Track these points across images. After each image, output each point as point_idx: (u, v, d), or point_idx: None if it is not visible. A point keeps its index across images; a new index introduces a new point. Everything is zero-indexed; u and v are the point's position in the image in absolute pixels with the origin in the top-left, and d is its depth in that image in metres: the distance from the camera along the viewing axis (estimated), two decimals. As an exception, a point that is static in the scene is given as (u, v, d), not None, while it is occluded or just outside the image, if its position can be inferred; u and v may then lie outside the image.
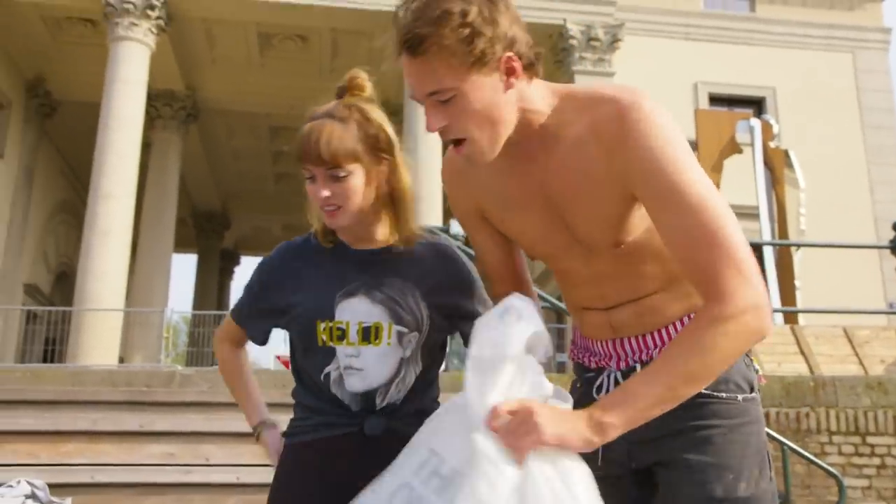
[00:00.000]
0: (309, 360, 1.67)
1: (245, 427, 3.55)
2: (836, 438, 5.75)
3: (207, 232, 27.05)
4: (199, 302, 25.98)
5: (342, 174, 1.58)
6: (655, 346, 1.51)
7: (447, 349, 1.83)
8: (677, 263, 1.36)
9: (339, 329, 1.62)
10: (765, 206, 11.96)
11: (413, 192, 1.69)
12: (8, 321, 17.66)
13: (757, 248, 11.58)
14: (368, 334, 1.62)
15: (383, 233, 1.69)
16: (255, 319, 1.77)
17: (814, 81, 18.15)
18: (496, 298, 1.60)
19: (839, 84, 18.43)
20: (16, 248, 18.56)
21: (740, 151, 12.46)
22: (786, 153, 12.65)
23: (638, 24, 17.60)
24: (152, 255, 18.19)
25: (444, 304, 1.69)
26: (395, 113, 19.06)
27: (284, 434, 1.74)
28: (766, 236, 11.95)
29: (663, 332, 1.51)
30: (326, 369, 1.63)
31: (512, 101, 1.37)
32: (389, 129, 1.65)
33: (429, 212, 13.98)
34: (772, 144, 12.52)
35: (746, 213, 12.21)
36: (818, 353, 8.58)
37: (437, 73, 1.31)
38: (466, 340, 1.75)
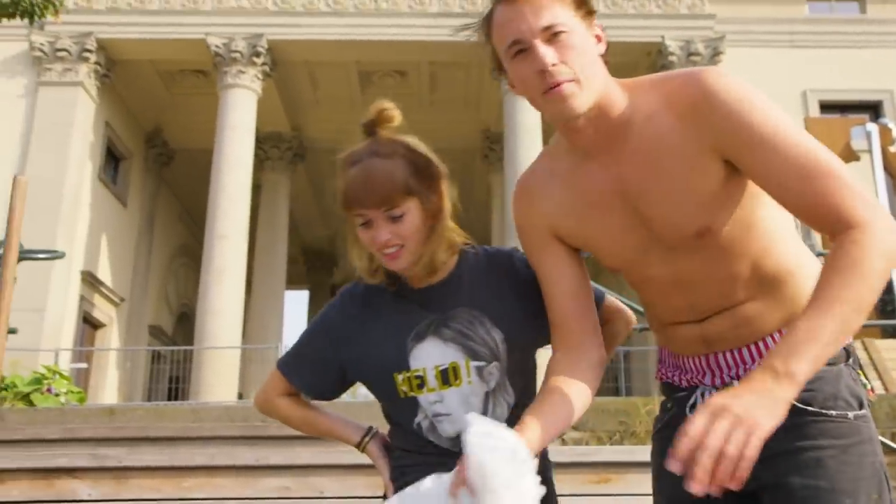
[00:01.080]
0: (396, 410, 1.62)
1: (357, 459, 3.58)
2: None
3: (317, 268, 27.74)
4: (312, 337, 26.54)
5: (399, 213, 1.50)
6: (753, 360, 1.43)
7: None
8: (795, 205, 1.31)
9: (417, 378, 1.56)
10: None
11: (451, 211, 1.59)
12: (135, 361, 18.56)
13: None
14: (447, 376, 1.55)
15: (439, 260, 1.58)
16: (316, 372, 1.67)
17: (935, 81, 17.18)
18: (561, 349, 1.49)
19: (963, 82, 17.38)
20: (140, 292, 19.54)
21: (857, 159, 11.86)
22: (908, 157, 11.97)
23: (740, 35, 17.12)
24: (266, 293, 18.78)
25: (521, 315, 1.58)
26: (496, 141, 19.15)
27: (391, 478, 1.65)
28: (892, 246, 11.28)
29: (760, 344, 1.43)
30: (416, 419, 1.57)
31: (602, 64, 1.39)
32: (434, 156, 1.59)
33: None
34: (892, 149, 11.87)
35: (868, 223, 11.60)
36: (957, 369, 8.01)
37: (553, 8, 1.34)
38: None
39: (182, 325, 22.50)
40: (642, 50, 16.91)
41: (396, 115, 1.57)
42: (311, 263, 27.68)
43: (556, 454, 3.73)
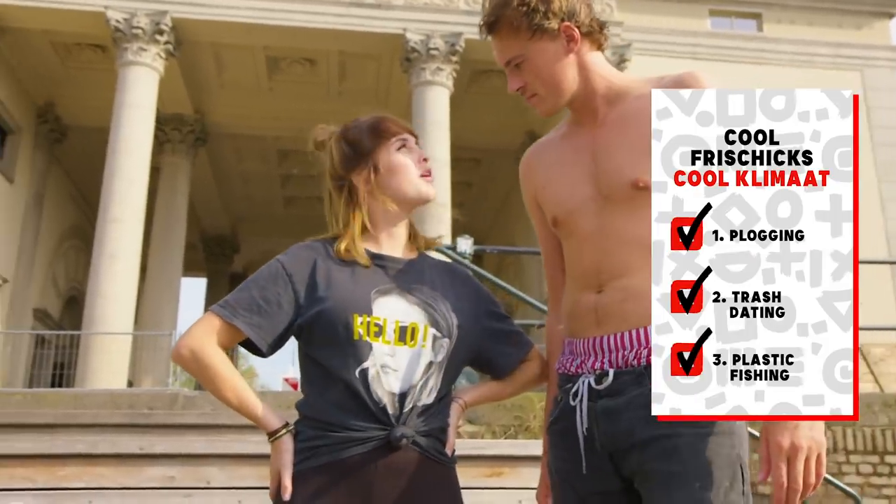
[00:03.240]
0: (339, 358, 1.58)
1: (247, 449, 3.49)
2: (853, 458, 5.64)
3: (217, 255, 27.07)
4: (208, 325, 25.89)
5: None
6: (632, 347, 1.50)
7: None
8: None
9: (376, 325, 1.60)
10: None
11: None
12: (17, 346, 17.65)
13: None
14: (405, 334, 1.61)
15: (408, 244, 1.76)
16: (265, 314, 1.61)
17: (822, 99, 18.08)
18: (554, 311, 1.76)
19: (848, 102, 18.37)
20: (26, 274, 18.59)
21: (750, 169, 12.37)
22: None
23: (645, 44, 17.61)
24: (161, 279, 18.20)
25: (472, 318, 1.70)
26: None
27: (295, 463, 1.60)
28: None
29: (642, 332, 1.50)
30: (364, 365, 1.57)
31: (573, 64, 1.63)
32: None
33: (438, 229, 13.88)
34: (781, 162, 12.44)
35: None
36: (832, 372, 8.44)
37: (508, 44, 1.63)
38: (485, 360, 1.77)
39: (71, 309, 21.54)
40: (551, 52, 17.15)
41: None
42: (211, 250, 26.97)
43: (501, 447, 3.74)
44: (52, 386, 16.03)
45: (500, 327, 1.77)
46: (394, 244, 1.73)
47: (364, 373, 1.57)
